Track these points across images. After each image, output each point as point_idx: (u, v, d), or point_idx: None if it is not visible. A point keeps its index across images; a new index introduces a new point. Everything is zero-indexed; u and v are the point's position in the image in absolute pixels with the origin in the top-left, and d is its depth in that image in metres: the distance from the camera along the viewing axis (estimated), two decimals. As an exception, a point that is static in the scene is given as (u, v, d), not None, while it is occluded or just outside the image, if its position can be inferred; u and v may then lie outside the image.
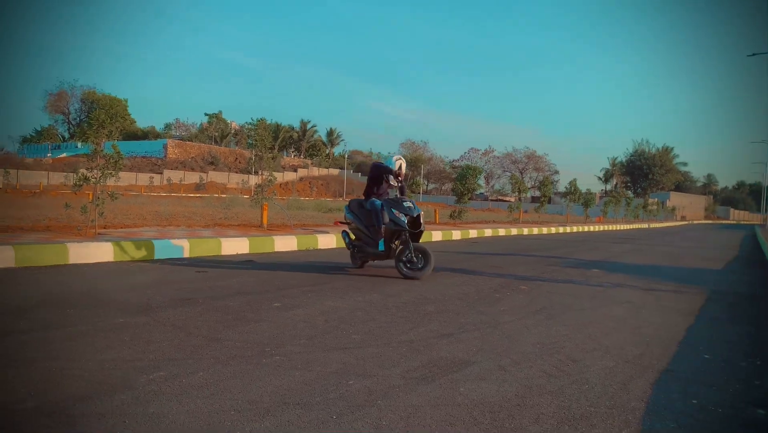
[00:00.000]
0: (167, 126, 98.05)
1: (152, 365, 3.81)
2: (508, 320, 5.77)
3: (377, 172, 9.03)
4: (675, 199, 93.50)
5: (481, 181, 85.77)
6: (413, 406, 3.26)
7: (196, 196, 48.87)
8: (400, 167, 8.82)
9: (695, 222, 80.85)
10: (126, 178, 59.58)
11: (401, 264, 8.47)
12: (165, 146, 76.11)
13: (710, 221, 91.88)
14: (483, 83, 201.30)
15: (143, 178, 65.14)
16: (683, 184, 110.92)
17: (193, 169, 73.60)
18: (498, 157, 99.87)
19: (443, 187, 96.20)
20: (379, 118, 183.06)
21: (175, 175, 69.09)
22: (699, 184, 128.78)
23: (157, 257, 9.71)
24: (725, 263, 14.62)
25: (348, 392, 3.43)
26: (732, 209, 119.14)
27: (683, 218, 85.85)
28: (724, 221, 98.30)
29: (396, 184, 8.85)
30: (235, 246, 11.26)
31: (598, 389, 3.73)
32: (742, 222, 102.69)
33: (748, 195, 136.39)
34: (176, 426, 2.83)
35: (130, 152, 69.72)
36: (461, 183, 25.18)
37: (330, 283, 7.69)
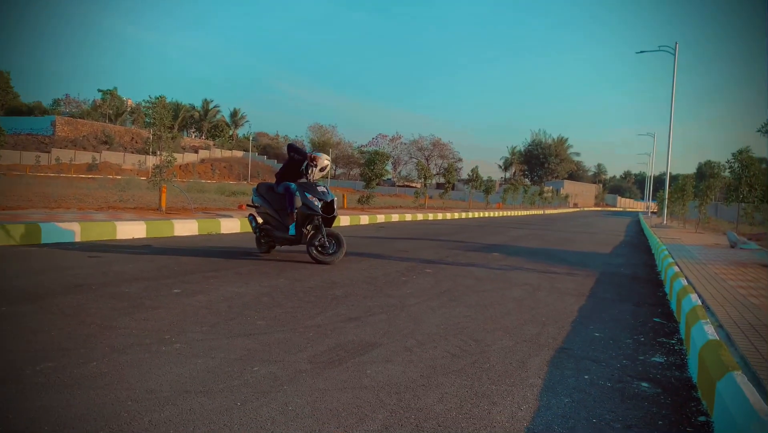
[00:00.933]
0: (56, 102, 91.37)
1: (40, 355, 3.55)
2: (414, 303, 5.88)
3: (294, 157, 8.81)
4: (568, 187, 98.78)
5: (389, 167, 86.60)
6: (320, 390, 3.24)
7: (89, 178, 45.99)
8: (318, 164, 8.62)
9: (586, 209, 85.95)
10: (8, 156, 54.97)
11: (313, 249, 8.39)
12: (53, 123, 70.90)
13: (600, 208, 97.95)
14: (391, 70, 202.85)
15: (28, 157, 60.38)
16: (576, 173, 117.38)
17: (84, 149, 69.12)
18: (405, 144, 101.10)
19: (351, 173, 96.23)
20: (287, 101, 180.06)
21: (64, 155, 64.60)
22: (590, 173, 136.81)
23: (44, 241, 9.05)
24: (612, 247, 15.65)
25: (253, 379, 3.35)
26: (619, 197, 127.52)
27: (575, 205, 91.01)
28: (611, 208, 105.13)
29: (310, 172, 8.66)
30: (131, 230, 10.70)
31: (499, 368, 3.87)
32: (628, 209, 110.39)
33: (633, 184, 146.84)
34: (66, 420, 2.65)
35: (13, 130, 64.41)
36: (369, 168, 25.31)
37: (234, 268, 7.49)
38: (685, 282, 6.74)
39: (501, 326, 5.12)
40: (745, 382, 2.92)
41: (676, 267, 8.40)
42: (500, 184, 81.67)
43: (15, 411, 2.72)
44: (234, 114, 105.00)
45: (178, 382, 3.22)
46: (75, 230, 9.61)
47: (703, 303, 5.49)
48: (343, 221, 17.90)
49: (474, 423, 2.91)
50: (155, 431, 2.59)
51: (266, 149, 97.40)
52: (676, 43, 27.37)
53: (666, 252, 11.04)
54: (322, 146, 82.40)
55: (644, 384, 3.75)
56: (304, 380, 3.39)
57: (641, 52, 29.79)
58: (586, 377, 3.82)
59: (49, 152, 63.65)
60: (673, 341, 4.98)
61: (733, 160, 17.94)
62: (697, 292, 6.14)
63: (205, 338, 4.14)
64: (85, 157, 65.94)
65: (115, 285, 5.86)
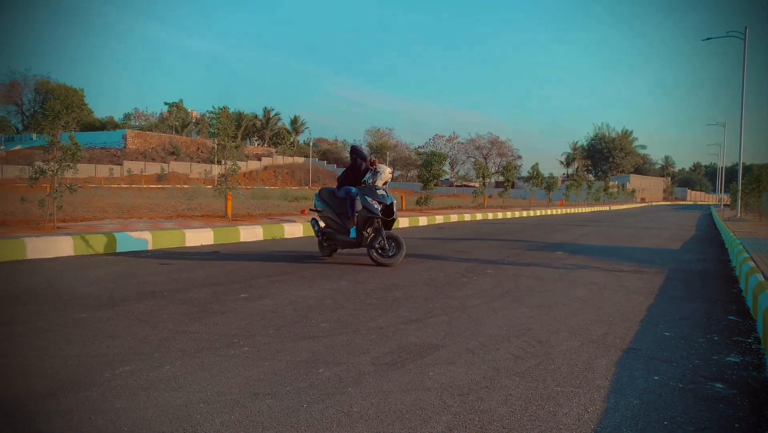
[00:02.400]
0: (126, 116, 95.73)
1: (117, 359, 3.75)
2: (475, 304, 5.84)
3: (356, 160, 8.95)
4: (635, 181, 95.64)
5: (446, 168, 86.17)
6: (384, 392, 3.28)
7: (158, 188, 47.97)
8: (380, 176, 8.72)
9: (654, 204, 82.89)
10: (84, 170, 58.04)
11: (373, 251, 8.49)
12: (124, 137, 74.32)
13: (668, 202, 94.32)
14: (447, 69, 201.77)
15: (102, 170, 63.57)
16: (642, 167, 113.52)
17: (153, 160, 72.13)
18: (462, 144, 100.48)
19: (409, 174, 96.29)
20: (344, 106, 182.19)
21: (135, 166, 67.62)
22: (657, 166, 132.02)
23: (119, 250, 9.51)
24: (682, 242, 15.05)
25: (318, 381, 3.43)
26: (689, 190, 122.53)
27: (643, 200, 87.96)
28: (681, 202, 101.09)
29: (370, 177, 8.72)
30: (200, 237, 11.10)
31: (564, 369, 3.81)
32: (699, 202, 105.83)
33: (704, 176, 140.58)
34: (144, 421, 2.79)
35: (88, 144, 67.95)
36: (427, 169, 25.28)
37: (298, 272, 7.65)
38: (761, 278, 6.41)
39: (566, 326, 5.03)
40: (829, 383, 2.76)
41: (752, 262, 8.01)
42: (562, 181, 79.82)
43: (96, 412, 2.88)
44: (294, 121, 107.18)
45: (247, 384, 3.33)
46: (147, 239, 10.04)
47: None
48: (401, 222, 17.96)
49: (539, 425, 2.87)
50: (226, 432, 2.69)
51: (326, 154, 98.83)
52: (746, 28, 26.06)
53: (741, 246, 10.53)
54: (379, 149, 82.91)
55: (718, 385, 3.60)
56: (367, 382, 3.44)
57: (708, 39, 28.52)
58: (656, 378, 3.70)
59: (121, 164, 66.75)
60: (750, 340, 4.76)
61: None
62: (775, 288, 5.83)
63: (271, 341, 4.25)
64: (154, 168, 68.81)
65: (185, 291, 6.10)
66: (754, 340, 4.77)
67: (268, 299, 5.82)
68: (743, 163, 31.66)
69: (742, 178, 30.49)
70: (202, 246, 10.78)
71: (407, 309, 5.50)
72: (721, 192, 64.69)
